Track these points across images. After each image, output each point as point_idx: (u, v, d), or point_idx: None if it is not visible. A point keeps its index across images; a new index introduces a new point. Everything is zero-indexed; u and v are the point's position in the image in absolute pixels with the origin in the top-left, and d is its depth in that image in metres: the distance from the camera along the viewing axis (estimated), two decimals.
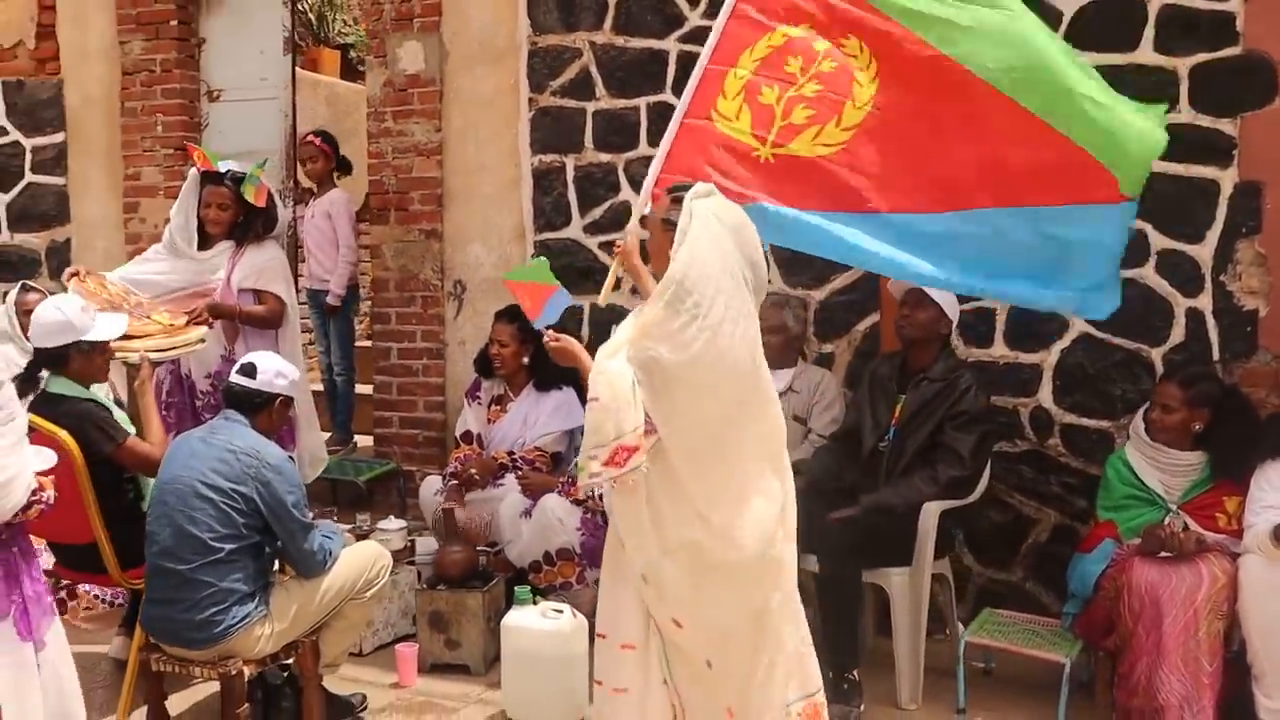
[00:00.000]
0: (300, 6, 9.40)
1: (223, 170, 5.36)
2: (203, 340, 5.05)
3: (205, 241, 5.44)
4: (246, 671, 4.08)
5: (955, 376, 4.71)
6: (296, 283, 6.20)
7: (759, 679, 3.36)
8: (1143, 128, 3.53)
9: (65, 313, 4.29)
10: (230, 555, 3.95)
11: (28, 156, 7.56)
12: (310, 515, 4.18)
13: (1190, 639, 4.06)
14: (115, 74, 7.23)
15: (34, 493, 3.36)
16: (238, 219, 5.36)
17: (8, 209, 7.66)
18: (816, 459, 4.92)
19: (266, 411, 4.17)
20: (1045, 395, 5.13)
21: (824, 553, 4.50)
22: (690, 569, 3.27)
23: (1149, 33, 4.87)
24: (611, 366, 3.20)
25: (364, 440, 7.11)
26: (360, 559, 4.33)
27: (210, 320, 5.20)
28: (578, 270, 5.98)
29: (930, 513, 4.54)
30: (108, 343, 4.44)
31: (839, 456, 4.90)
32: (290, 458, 4.29)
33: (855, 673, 4.47)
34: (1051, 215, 3.60)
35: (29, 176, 7.57)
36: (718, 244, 3.24)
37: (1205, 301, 4.86)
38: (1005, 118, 3.60)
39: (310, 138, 7.04)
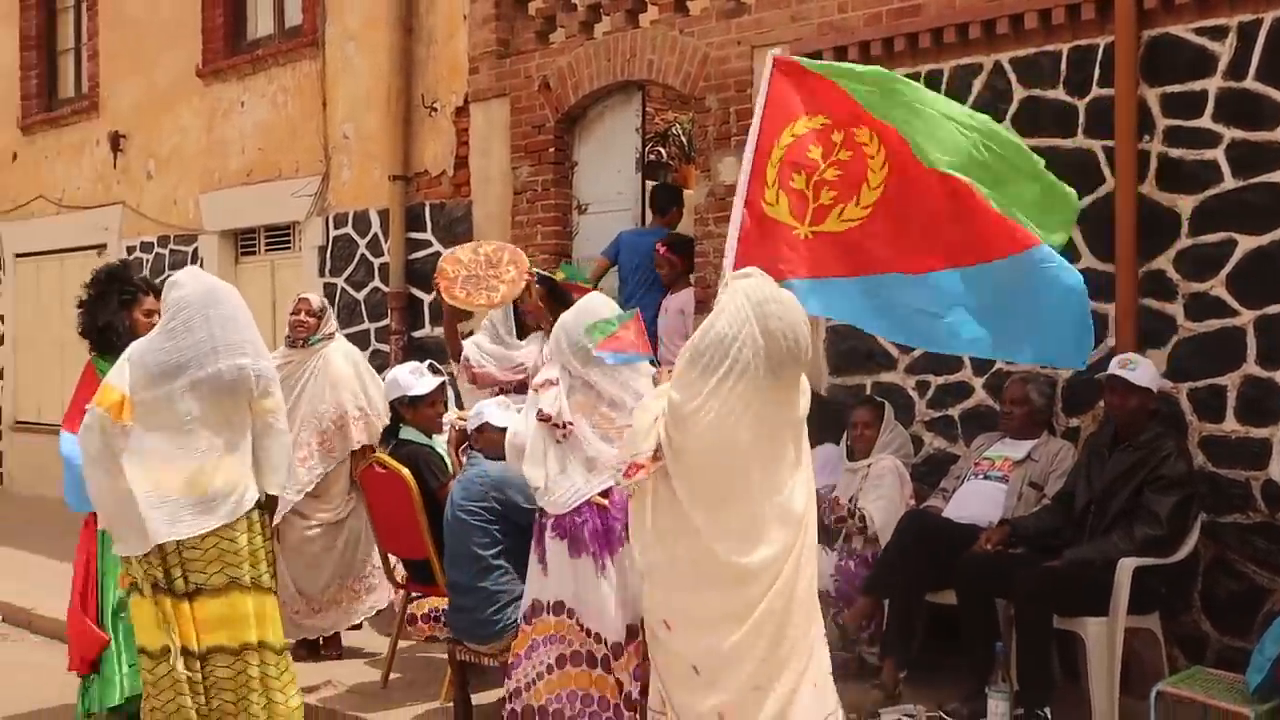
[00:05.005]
0: (674, 130, 10.71)
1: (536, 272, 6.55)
2: None
3: (522, 331, 6.56)
4: None
5: (1159, 444, 5.06)
6: None
7: (753, 694, 3.65)
8: (1058, 195, 4.22)
9: (394, 375, 5.66)
10: (495, 560, 4.93)
11: None
12: None
13: None
14: (509, 194, 8.71)
15: None
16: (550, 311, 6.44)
17: (430, 307, 9.35)
18: (1036, 517, 5.37)
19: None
20: (1277, 469, 5.28)
21: (1020, 597, 4.96)
22: (683, 578, 3.71)
23: None
24: (649, 403, 3.89)
25: None
26: None
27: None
28: (862, 353, 6.70)
29: (1124, 568, 4.89)
30: (429, 397, 5.71)
31: (1057, 515, 5.32)
32: None
33: (1047, 710, 4.89)
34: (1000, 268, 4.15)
35: None
36: (735, 316, 3.65)
37: None
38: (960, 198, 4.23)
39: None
